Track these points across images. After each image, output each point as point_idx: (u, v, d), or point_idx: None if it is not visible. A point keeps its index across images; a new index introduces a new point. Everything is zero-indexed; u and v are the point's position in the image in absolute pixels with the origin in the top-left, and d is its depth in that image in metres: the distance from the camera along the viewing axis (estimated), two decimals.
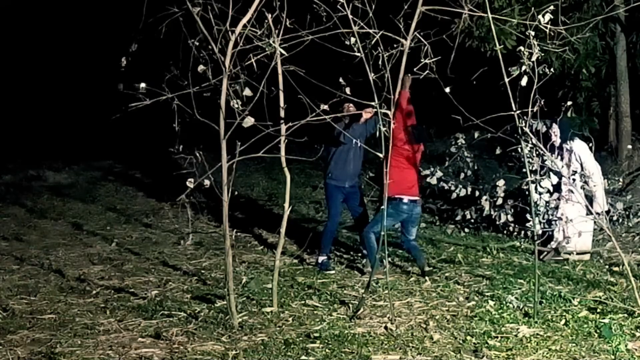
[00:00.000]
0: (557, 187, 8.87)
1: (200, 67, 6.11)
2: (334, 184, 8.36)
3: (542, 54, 6.40)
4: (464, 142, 10.34)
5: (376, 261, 7.09)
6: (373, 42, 6.31)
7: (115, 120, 6.37)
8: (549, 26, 6.27)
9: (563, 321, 6.44)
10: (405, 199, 7.89)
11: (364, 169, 11.28)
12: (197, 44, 6.15)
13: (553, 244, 8.88)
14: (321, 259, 8.34)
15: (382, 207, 6.63)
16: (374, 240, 7.86)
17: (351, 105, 7.94)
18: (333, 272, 8.19)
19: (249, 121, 6.06)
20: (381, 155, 6.49)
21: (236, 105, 6.05)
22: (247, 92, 6.10)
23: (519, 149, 6.70)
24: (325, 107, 6.34)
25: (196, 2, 6.06)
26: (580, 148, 8.92)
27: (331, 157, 8.33)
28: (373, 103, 6.43)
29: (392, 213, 7.72)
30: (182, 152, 6.29)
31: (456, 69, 7.20)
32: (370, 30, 6.33)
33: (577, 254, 8.71)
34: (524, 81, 6.20)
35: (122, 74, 6.20)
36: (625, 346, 5.81)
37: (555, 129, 8.81)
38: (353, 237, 9.61)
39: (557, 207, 8.96)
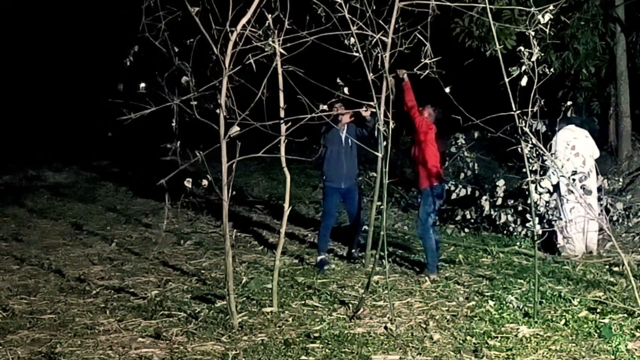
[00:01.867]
0: (555, 187, 8.87)
1: (184, 79, 6.12)
2: (331, 185, 8.44)
3: (542, 54, 6.40)
4: (464, 142, 10.33)
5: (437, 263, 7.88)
6: (372, 42, 6.31)
7: (114, 121, 6.35)
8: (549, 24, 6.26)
9: (563, 321, 6.43)
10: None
11: (364, 170, 11.27)
12: (177, 49, 6.17)
13: (562, 244, 8.90)
14: (319, 258, 8.37)
15: (381, 204, 6.62)
16: (434, 238, 8.01)
17: (341, 106, 7.97)
18: (332, 265, 8.21)
19: (235, 129, 6.07)
20: (380, 155, 6.48)
21: (224, 113, 6.05)
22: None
23: (519, 149, 6.67)
24: (325, 107, 6.34)
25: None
26: (558, 137, 8.89)
27: (323, 159, 8.42)
28: (372, 103, 6.43)
29: (440, 195, 8.09)
30: (175, 149, 6.26)
31: (456, 69, 7.20)
32: (369, 32, 6.33)
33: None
34: (524, 81, 6.20)
35: (122, 74, 6.20)
36: (625, 346, 5.81)
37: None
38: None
39: (556, 208, 8.97)
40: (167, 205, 6.43)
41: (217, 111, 6.08)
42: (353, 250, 8.69)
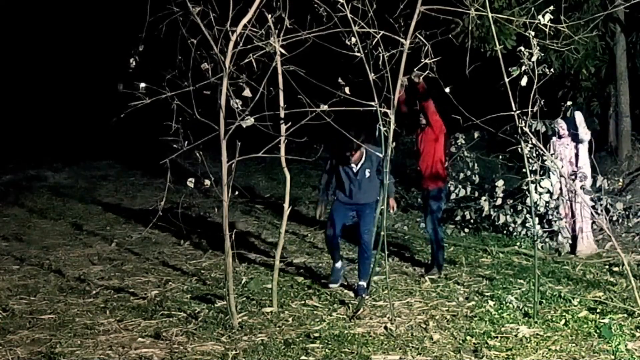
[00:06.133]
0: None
1: (204, 65, 6.10)
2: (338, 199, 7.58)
3: (542, 54, 6.39)
4: (464, 142, 10.32)
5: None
6: (373, 42, 6.30)
7: (115, 120, 6.35)
8: (549, 25, 6.25)
9: (563, 321, 6.44)
10: None
11: None
12: (195, 42, 6.14)
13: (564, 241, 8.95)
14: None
15: (382, 207, 6.61)
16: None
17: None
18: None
19: (249, 121, 6.06)
20: (380, 155, 6.47)
21: (236, 106, 6.05)
22: (247, 92, 6.09)
23: (519, 149, 6.67)
24: (325, 107, 6.33)
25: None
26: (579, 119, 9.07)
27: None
28: (373, 103, 6.42)
29: (446, 195, 8.51)
30: (183, 149, 6.25)
31: (456, 69, 7.19)
32: (371, 30, 6.32)
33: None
34: (524, 81, 6.20)
35: (122, 73, 6.20)
36: (625, 346, 5.82)
37: (562, 124, 8.91)
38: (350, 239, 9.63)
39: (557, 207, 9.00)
40: (168, 182, 6.36)
41: (233, 104, 6.02)
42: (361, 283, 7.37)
